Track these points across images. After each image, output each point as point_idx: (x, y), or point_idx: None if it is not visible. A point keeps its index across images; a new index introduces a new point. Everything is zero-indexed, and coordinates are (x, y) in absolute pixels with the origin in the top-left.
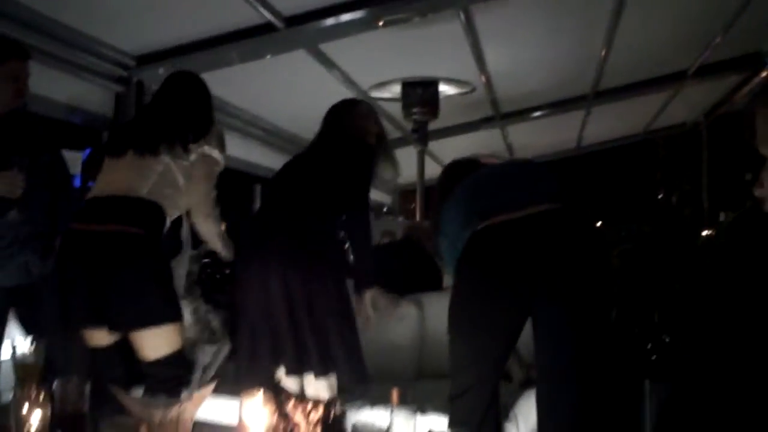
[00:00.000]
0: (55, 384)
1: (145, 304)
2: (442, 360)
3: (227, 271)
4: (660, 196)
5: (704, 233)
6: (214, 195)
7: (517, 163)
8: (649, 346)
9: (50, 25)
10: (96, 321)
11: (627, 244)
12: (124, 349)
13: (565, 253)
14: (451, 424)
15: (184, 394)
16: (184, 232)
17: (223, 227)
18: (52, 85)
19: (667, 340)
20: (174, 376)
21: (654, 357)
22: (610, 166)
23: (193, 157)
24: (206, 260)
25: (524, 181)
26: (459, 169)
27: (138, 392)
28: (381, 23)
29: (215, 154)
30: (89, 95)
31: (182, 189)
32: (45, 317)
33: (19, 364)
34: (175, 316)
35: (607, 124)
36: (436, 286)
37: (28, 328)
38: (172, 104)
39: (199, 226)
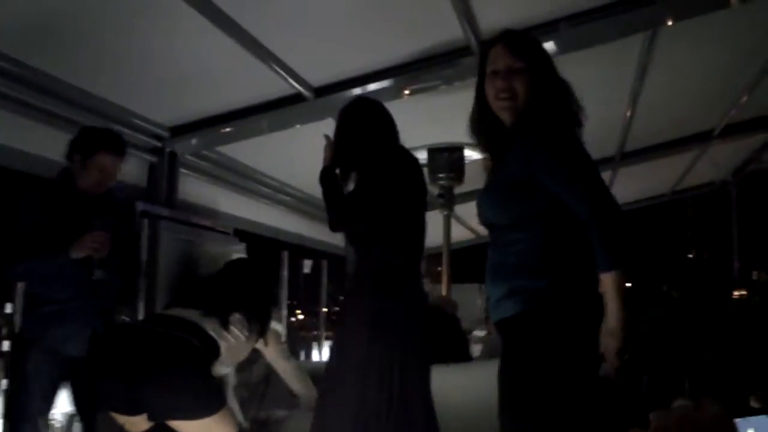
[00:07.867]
0: None
1: (186, 394)
2: None
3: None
4: (691, 255)
5: (735, 294)
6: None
7: None
8: None
9: (87, 99)
10: (134, 410)
11: (657, 309)
12: None
13: None
14: None
15: None
16: None
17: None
18: None
19: None
20: None
21: None
22: (638, 227)
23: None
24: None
25: None
26: None
27: None
28: (407, 92)
29: (279, 328)
30: (123, 166)
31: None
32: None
33: None
34: (215, 408)
35: (634, 185)
36: (463, 357)
37: (77, 403)
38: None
39: (274, 363)
